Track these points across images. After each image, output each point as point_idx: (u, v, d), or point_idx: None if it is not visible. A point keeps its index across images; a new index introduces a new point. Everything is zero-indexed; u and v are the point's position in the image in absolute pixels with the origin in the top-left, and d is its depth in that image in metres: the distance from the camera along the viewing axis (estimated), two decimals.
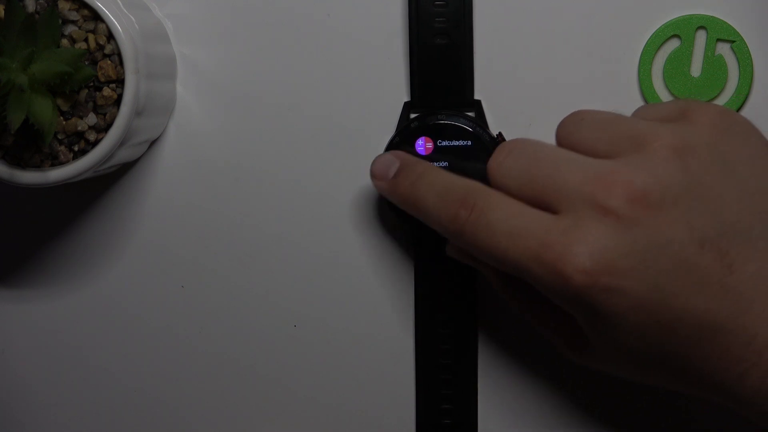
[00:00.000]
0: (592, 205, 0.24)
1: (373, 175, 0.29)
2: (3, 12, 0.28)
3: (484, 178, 0.31)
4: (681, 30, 0.31)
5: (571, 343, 0.27)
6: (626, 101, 0.32)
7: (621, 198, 0.24)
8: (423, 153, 0.31)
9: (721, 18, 0.31)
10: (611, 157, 0.25)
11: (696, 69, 0.31)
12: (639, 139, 0.25)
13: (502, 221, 0.25)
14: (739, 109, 0.31)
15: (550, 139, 0.32)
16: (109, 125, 0.28)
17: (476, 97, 0.32)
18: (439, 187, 0.27)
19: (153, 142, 0.33)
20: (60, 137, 0.28)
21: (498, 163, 0.26)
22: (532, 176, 0.25)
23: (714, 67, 0.31)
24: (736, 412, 0.25)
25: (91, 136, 0.28)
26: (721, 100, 0.31)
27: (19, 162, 0.29)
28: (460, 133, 0.31)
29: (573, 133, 0.27)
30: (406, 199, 0.28)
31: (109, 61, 0.28)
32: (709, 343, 0.24)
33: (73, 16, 0.28)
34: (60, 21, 0.28)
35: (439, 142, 0.31)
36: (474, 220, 0.25)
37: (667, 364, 0.25)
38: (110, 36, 0.28)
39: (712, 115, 0.26)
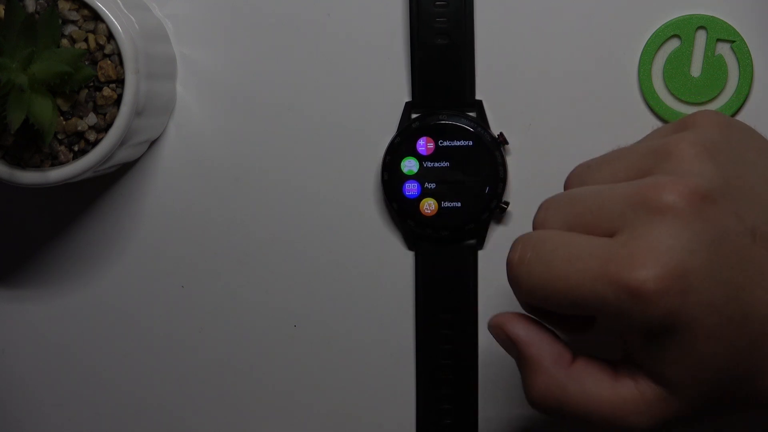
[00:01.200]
0: (647, 210, 0.23)
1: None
2: (3, 12, 0.28)
3: (484, 177, 0.31)
4: (681, 30, 0.31)
5: (638, 409, 0.24)
6: (626, 101, 0.32)
7: (674, 194, 0.23)
8: (424, 153, 0.31)
9: (721, 18, 0.31)
10: (643, 176, 0.24)
11: (696, 69, 0.31)
12: (661, 151, 0.24)
13: (558, 249, 0.24)
14: (739, 109, 0.31)
15: (551, 139, 0.32)
16: (109, 125, 0.28)
17: (477, 97, 0.32)
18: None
19: (153, 142, 0.33)
20: (60, 137, 0.28)
21: (540, 218, 0.25)
22: (576, 212, 0.24)
23: (714, 67, 0.31)
24: None
25: (91, 136, 0.28)
26: (721, 100, 0.32)
27: (19, 162, 0.29)
28: (462, 133, 0.31)
29: (587, 180, 0.26)
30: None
31: (109, 61, 0.28)
32: None
33: (73, 16, 0.28)
34: (60, 21, 0.28)
35: (440, 143, 0.31)
36: (529, 261, 0.24)
37: (740, 373, 0.23)
38: (110, 36, 0.28)
39: (711, 116, 0.26)
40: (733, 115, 0.31)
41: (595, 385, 0.24)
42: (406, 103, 0.32)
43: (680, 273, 0.22)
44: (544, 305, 0.24)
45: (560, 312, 0.24)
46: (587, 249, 0.23)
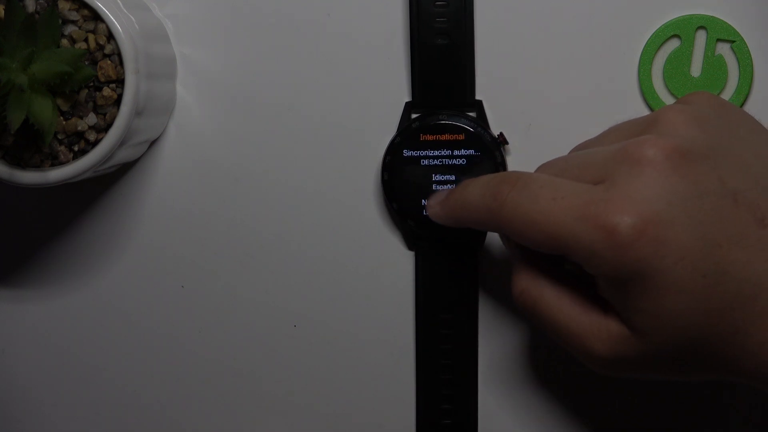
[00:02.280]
0: (628, 162, 0.24)
1: (428, 206, 0.30)
2: (3, 12, 0.28)
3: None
4: (681, 30, 0.31)
5: (600, 337, 0.25)
6: (626, 101, 0.32)
7: (654, 149, 0.24)
8: (424, 153, 0.31)
9: (721, 18, 0.31)
10: None
11: (696, 69, 0.31)
12: (650, 121, 0.26)
13: (545, 188, 0.25)
14: None
15: (550, 139, 0.32)
16: (109, 125, 0.28)
17: (477, 97, 0.32)
18: (481, 182, 0.27)
19: (153, 142, 0.33)
20: (60, 137, 0.28)
21: (539, 172, 0.27)
22: (567, 166, 0.26)
23: (714, 67, 0.31)
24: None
25: (91, 136, 0.28)
26: None
27: (19, 162, 0.29)
28: (462, 133, 0.31)
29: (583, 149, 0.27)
30: (455, 205, 0.28)
31: (109, 61, 0.28)
32: (751, 300, 0.23)
33: (73, 16, 0.28)
34: (60, 21, 0.28)
35: (440, 143, 0.31)
36: (517, 191, 0.25)
37: (712, 332, 0.24)
38: (110, 36, 0.28)
39: (705, 95, 0.27)
40: None
41: (569, 302, 0.26)
42: (406, 103, 0.32)
43: (655, 221, 0.23)
44: (521, 238, 0.26)
45: (533, 247, 0.26)
46: (571, 190, 0.25)
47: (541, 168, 0.27)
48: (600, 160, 0.25)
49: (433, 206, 0.30)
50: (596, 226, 0.23)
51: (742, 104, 0.31)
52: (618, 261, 0.23)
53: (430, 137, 0.31)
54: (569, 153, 0.29)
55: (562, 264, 0.27)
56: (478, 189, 0.27)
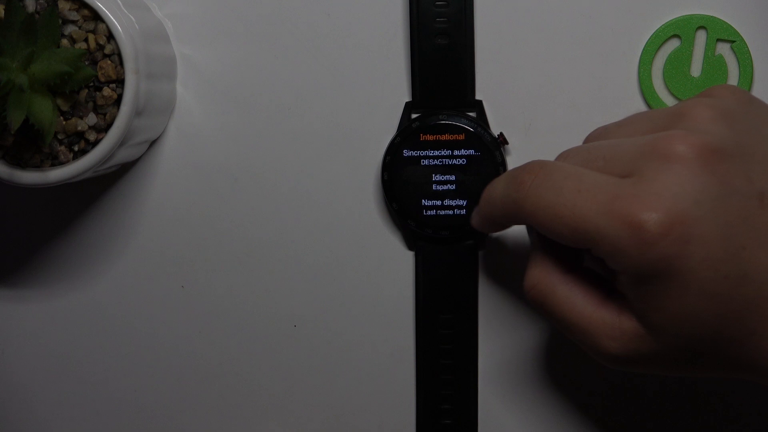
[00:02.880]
0: (658, 158, 0.23)
1: (471, 219, 0.30)
2: (3, 12, 0.28)
3: (484, 177, 0.31)
4: (681, 30, 0.31)
5: (613, 334, 0.25)
6: (626, 101, 0.32)
7: (684, 145, 0.23)
8: (424, 153, 0.31)
9: (721, 18, 0.31)
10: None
11: (696, 69, 0.31)
12: (676, 114, 0.25)
13: (569, 179, 0.24)
14: None
15: (551, 139, 0.32)
16: (109, 125, 0.28)
17: (477, 97, 0.32)
18: (506, 175, 0.27)
19: (153, 142, 0.33)
20: (60, 137, 0.28)
21: (560, 160, 0.26)
22: (592, 156, 0.25)
23: (714, 67, 0.31)
24: None
25: (91, 136, 0.28)
26: None
27: (19, 162, 0.29)
28: (462, 134, 0.31)
29: (605, 138, 0.27)
30: (485, 205, 0.28)
31: (109, 61, 0.28)
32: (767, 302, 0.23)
33: (73, 16, 0.28)
34: (60, 21, 0.28)
35: (440, 143, 0.31)
36: (539, 182, 0.25)
37: (727, 333, 0.23)
38: (110, 36, 0.28)
39: (731, 88, 0.26)
40: None
41: (581, 298, 0.26)
42: (406, 103, 0.32)
43: (682, 220, 0.23)
44: (544, 230, 0.25)
45: (556, 239, 0.25)
46: (597, 183, 0.24)
47: (563, 156, 0.27)
48: (627, 153, 0.24)
49: (473, 216, 0.30)
50: (623, 221, 0.23)
51: None
52: (643, 258, 0.23)
53: (430, 137, 0.31)
54: (587, 139, 0.28)
55: (581, 260, 0.27)
56: (502, 182, 0.27)
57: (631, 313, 0.25)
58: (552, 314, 0.26)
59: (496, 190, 0.27)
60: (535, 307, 0.27)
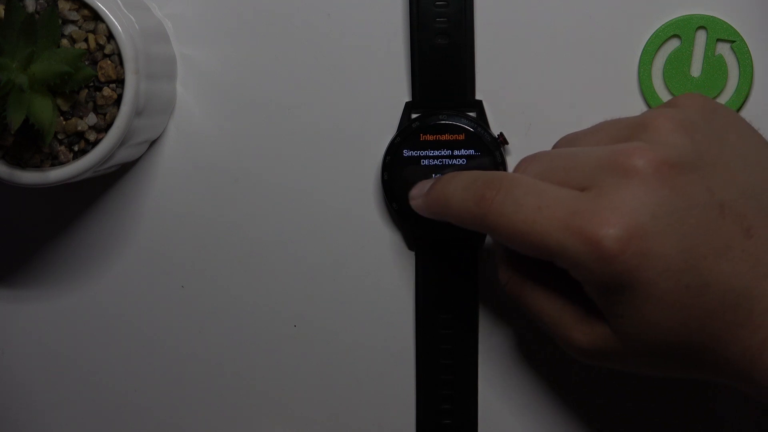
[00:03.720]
0: (616, 172, 0.24)
1: (411, 197, 0.30)
2: (3, 12, 0.28)
3: None
4: (681, 30, 0.31)
5: (583, 330, 0.26)
6: (627, 101, 0.32)
7: (643, 159, 0.24)
8: (424, 153, 0.31)
9: (721, 18, 0.31)
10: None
11: (696, 69, 0.31)
12: (639, 125, 0.25)
13: (530, 195, 0.25)
14: (739, 109, 0.31)
15: (551, 139, 0.32)
16: (109, 125, 0.28)
17: (477, 97, 0.32)
18: (465, 180, 0.27)
19: (153, 142, 0.33)
20: (60, 137, 0.28)
21: (521, 168, 0.27)
22: (553, 166, 0.26)
23: (714, 67, 0.31)
24: (752, 397, 0.25)
25: (91, 136, 0.28)
26: (721, 100, 0.32)
27: (19, 162, 0.29)
28: (462, 134, 0.31)
29: (571, 146, 0.27)
30: (436, 202, 0.28)
31: (109, 61, 0.28)
32: (733, 309, 0.24)
33: (73, 16, 0.28)
34: (60, 21, 0.28)
35: (440, 143, 0.31)
36: (501, 199, 0.25)
37: (691, 339, 0.24)
38: (110, 36, 0.28)
39: (695, 98, 0.26)
40: None
41: (554, 293, 0.26)
42: (406, 103, 0.32)
43: (640, 235, 0.23)
44: (505, 244, 0.26)
45: (520, 251, 0.26)
46: (556, 199, 0.24)
47: (525, 162, 0.27)
48: (587, 165, 0.25)
49: (416, 197, 0.29)
50: (582, 237, 0.23)
51: (742, 104, 0.31)
52: (603, 272, 0.24)
53: (430, 137, 0.31)
54: (557, 144, 0.29)
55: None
56: (460, 191, 0.27)
57: (600, 314, 0.25)
58: (527, 306, 0.27)
59: (452, 195, 0.27)
60: (512, 298, 0.27)
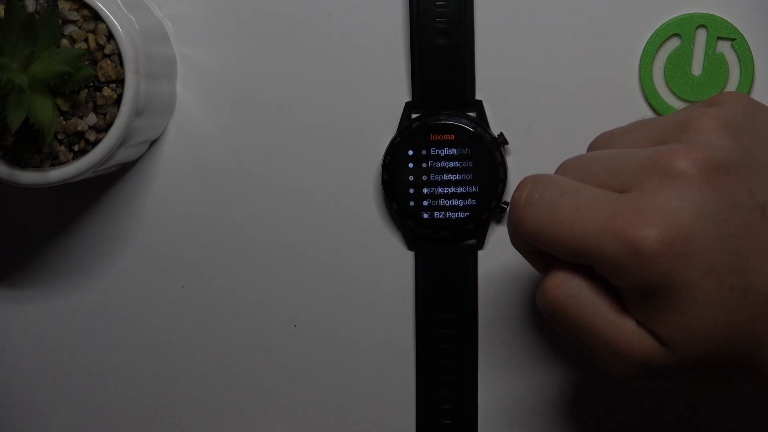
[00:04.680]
0: (659, 173, 0.23)
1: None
2: (3, 12, 0.28)
3: (485, 177, 0.31)
4: (681, 29, 0.31)
5: (634, 345, 0.24)
6: (628, 101, 0.32)
7: (686, 160, 0.23)
8: (424, 153, 0.31)
9: (720, 16, 0.31)
10: (662, 144, 0.25)
11: (697, 68, 0.31)
12: (682, 124, 0.25)
13: (567, 195, 0.24)
14: None
15: (551, 139, 0.32)
16: (109, 125, 0.28)
17: (477, 97, 0.32)
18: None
19: (153, 142, 0.33)
20: (60, 137, 0.28)
21: (560, 171, 0.26)
22: (592, 169, 0.25)
23: (715, 65, 0.31)
24: None
25: (91, 136, 0.28)
26: None
27: (19, 162, 0.29)
28: (462, 133, 0.31)
29: (609, 147, 0.26)
30: (510, 234, 0.26)
31: (109, 61, 0.28)
32: None
33: (73, 16, 0.28)
34: (60, 21, 0.28)
35: (440, 143, 0.31)
36: (536, 200, 0.24)
37: (738, 345, 0.23)
38: (110, 36, 0.28)
39: (737, 96, 0.26)
40: None
41: (604, 305, 0.25)
42: (406, 103, 0.32)
43: (683, 236, 0.23)
44: (544, 248, 0.25)
45: (558, 256, 0.25)
46: (595, 199, 0.24)
47: (563, 166, 0.26)
48: (629, 167, 0.24)
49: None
50: (622, 239, 0.23)
51: None
52: (644, 275, 0.23)
53: (430, 137, 0.31)
54: (591, 146, 0.28)
55: None
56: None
57: (644, 328, 0.24)
58: (572, 318, 0.25)
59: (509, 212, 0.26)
60: (551, 310, 0.25)
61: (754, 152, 0.24)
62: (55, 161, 0.28)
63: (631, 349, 0.24)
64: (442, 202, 0.31)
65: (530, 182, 0.25)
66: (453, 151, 0.31)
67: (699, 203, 0.23)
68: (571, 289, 0.25)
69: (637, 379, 0.25)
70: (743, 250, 0.23)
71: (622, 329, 0.24)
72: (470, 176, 0.31)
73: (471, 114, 0.32)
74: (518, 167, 0.32)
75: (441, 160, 0.31)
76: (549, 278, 0.25)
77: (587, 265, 0.25)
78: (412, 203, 0.31)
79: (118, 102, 0.28)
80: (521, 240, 0.26)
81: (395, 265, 0.33)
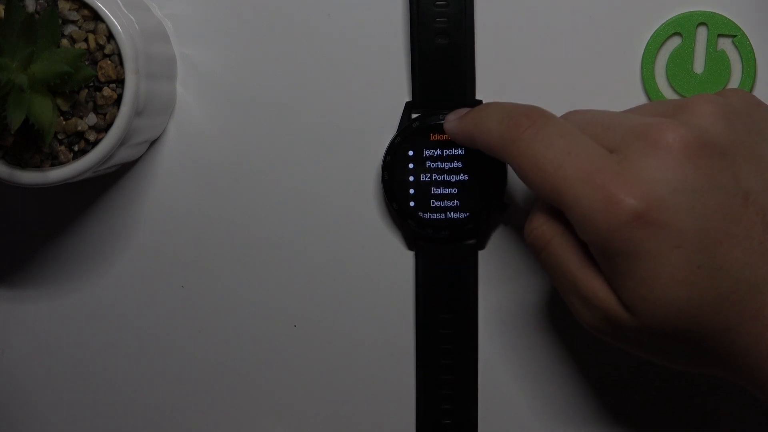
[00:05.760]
0: (646, 140, 0.24)
1: (445, 120, 0.29)
2: (3, 12, 0.28)
3: (485, 177, 0.31)
4: (682, 27, 0.31)
5: (598, 297, 0.25)
6: (630, 101, 0.31)
7: (674, 134, 0.24)
8: (424, 153, 0.31)
9: (721, 13, 0.31)
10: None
11: (699, 65, 0.31)
12: (682, 105, 0.26)
13: (562, 137, 0.25)
14: None
15: None
16: (109, 125, 0.28)
17: (477, 97, 0.32)
18: (505, 107, 0.27)
19: (153, 142, 0.33)
20: (60, 137, 0.28)
21: (565, 116, 0.27)
22: (593, 120, 0.26)
23: (716, 62, 0.31)
24: (758, 397, 0.24)
25: (91, 136, 0.28)
26: None
27: (19, 162, 0.29)
28: None
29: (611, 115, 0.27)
30: (470, 121, 0.28)
31: (109, 61, 0.28)
32: (745, 300, 0.23)
33: (73, 16, 0.28)
34: (60, 21, 0.28)
35: (440, 142, 0.31)
36: (534, 131, 0.25)
37: (701, 324, 0.24)
38: (110, 36, 0.28)
39: (743, 93, 0.27)
40: None
41: (575, 254, 0.26)
42: (406, 103, 0.32)
43: (656, 206, 0.23)
44: (522, 177, 0.25)
45: (533, 190, 0.25)
46: (586, 150, 0.24)
47: (571, 113, 0.27)
48: (622, 128, 0.25)
49: (451, 120, 0.29)
50: (600, 194, 0.23)
51: None
52: (611, 234, 0.23)
53: (430, 137, 0.31)
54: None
55: None
56: (497, 113, 0.27)
57: (609, 286, 0.25)
58: (546, 263, 0.26)
59: (489, 116, 0.27)
60: (535, 248, 0.27)
61: (748, 142, 0.25)
62: (55, 161, 0.29)
63: (598, 299, 0.25)
64: (442, 202, 0.31)
65: (537, 113, 0.26)
66: (453, 151, 0.31)
67: (677, 177, 0.23)
68: (546, 233, 0.26)
69: (603, 334, 0.26)
70: (717, 232, 0.23)
71: (592, 280, 0.25)
72: (470, 176, 0.31)
73: None
74: None
75: (441, 160, 0.31)
76: (534, 217, 0.27)
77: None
78: (412, 203, 0.31)
79: (118, 102, 0.28)
80: (507, 162, 0.26)
81: (395, 265, 0.33)
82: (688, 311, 0.24)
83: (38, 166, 0.29)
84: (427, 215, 0.31)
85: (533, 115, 0.26)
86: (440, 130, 0.31)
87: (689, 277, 0.23)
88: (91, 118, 0.28)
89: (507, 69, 0.32)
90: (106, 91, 0.28)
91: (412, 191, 0.31)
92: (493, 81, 0.32)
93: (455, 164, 0.31)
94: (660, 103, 0.27)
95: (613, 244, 0.24)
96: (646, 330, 0.24)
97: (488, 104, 0.28)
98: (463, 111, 0.29)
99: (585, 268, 0.25)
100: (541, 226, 0.26)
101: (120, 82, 0.28)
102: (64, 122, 0.28)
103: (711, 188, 0.24)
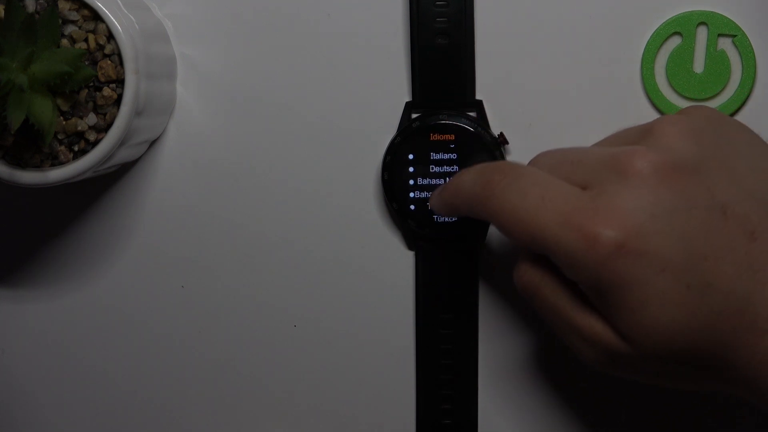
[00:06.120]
0: (617, 171, 0.24)
1: (429, 200, 0.30)
2: (3, 12, 0.28)
3: None
4: (682, 27, 0.31)
5: (593, 333, 0.25)
6: (630, 101, 0.31)
7: (644, 160, 0.24)
8: (424, 153, 0.31)
9: (721, 13, 0.31)
10: None
11: (699, 65, 0.31)
12: (647, 130, 0.26)
13: (536, 186, 0.25)
14: (743, 103, 0.31)
15: (551, 139, 0.32)
16: (109, 125, 0.28)
17: (477, 97, 0.32)
18: (476, 169, 0.27)
19: (153, 142, 0.33)
20: (60, 137, 0.28)
21: (533, 162, 0.27)
22: (562, 160, 0.26)
23: (717, 62, 0.31)
24: (760, 407, 0.24)
25: (91, 136, 0.29)
26: (725, 95, 0.31)
27: (19, 162, 0.29)
28: (462, 133, 0.31)
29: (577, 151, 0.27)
30: (449, 193, 0.28)
31: (109, 61, 0.28)
32: (738, 313, 0.23)
33: (73, 16, 0.28)
34: (60, 21, 0.28)
35: (440, 143, 0.31)
36: (507, 185, 0.25)
37: (698, 344, 0.24)
38: (110, 36, 0.28)
39: (702, 108, 0.27)
40: (738, 108, 0.31)
41: (566, 296, 0.26)
42: (406, 103, 0.32)
43: (636, 234, 0.23)
44: (504, 231, 0.26)
45: (516, 243, 0.26)
46: (560, 192, 0.25)
47: (539, 156, 0.27)
48: (591, 163, 0.25)
49: (434, 197, 0.29)
50: (579, 234, 0.24)
51: (747, 97, 0.31)
52: (598, 271, 0.24)
53: (430, 137, 0.31)
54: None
55: None
56: (471, 176, 0.27)
57: (604, 320, 0.25)
58: (540, 308, 0.27)
59: (463, 181, 0.27)
60: (526, 294, 0.27)
61: (717, 156, 0.25)
62: (55, 161, 0.29)
63: (595, 335, 0.25)
64: None
65: (507, 167, 0.26)
66: (453, 151, 0.31)
67: (653, 202, 0.24)
68: (533, 279, 0.26)
69: (607, 368, 0.26)
70: (702, 248, 0.23)
71: (587, 317, 0.25)
72: None
73: (471, 114, 0.31)
74: None
75: (441, 161, 0.31)
76: (520, 265, 0.27)
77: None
78: (412, 203, 0.31)
79: (118, 102, 0.28)
80: (484, 218, 0.27)
81: (395, 265, 0.33)
82: (684, 332, 0.24)
83: (38, 166, 0.29)
84: (427, 215, 0.31)
85: (504, 169, 0.26)
86: (440, 130, 0.31)
87: (679, 298, 0.23)
88: (91, 118, 0.28)
89: (507, 69, 0.32)
90: (106, 91, 0.28)
91: (412, 191, 0.31)
92: (493, 81, 0.32)
93: (455, 164, 0.31)
94: (625, 132, 0.27)
95: (601, 279, 0.24)
96: (645, 357, 0.24)
97: (461, 171, 0.28)
98: (440, 187, 0.29)
99: (578, 307, 0.25)
100: (528, 273, 0.27)
101: (120, 82, 0.28)
102: (64, 122, 0.28)
103: (688, 207, 0.24)
